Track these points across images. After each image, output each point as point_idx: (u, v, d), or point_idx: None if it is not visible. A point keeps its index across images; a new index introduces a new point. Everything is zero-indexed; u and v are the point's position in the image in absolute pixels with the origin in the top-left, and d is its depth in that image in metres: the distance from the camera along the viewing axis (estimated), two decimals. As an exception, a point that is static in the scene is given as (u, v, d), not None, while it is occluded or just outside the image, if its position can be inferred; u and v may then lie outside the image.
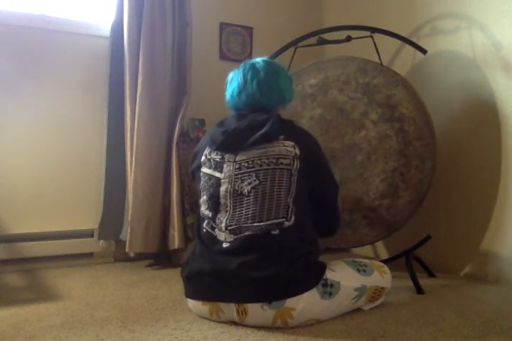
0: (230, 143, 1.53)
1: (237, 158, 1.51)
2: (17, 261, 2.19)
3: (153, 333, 1.36)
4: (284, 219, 1.43)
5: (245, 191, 1.47)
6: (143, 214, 2.30)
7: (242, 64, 1.65)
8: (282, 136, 1.52)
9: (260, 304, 1.36)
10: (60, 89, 2.36)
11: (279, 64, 1.68)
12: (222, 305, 1.42)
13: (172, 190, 2.35)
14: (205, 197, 1.55)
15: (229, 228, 1.46)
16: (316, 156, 1.57)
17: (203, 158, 1.59)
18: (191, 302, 1.52)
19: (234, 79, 1.63)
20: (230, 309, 1.41)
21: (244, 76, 1.59)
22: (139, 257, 2.41)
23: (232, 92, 1.62)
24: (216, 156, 1.55)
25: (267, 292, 1.37)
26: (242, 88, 1.59)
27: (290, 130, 1.56)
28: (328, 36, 2.29)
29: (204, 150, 1.61)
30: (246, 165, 1.49)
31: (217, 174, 1.53)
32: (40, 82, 2.32)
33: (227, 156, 1.53)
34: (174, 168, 2.35)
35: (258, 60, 1.64)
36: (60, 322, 1.46)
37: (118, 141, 2.38)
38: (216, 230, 1.49)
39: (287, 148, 1.50)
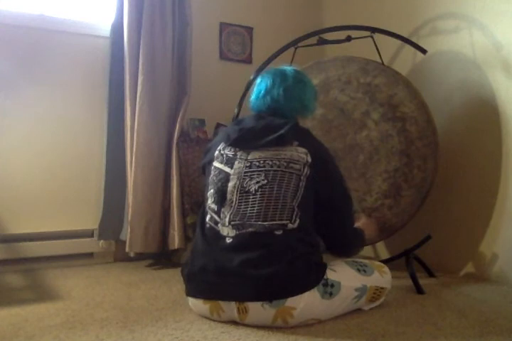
0: (244, 140, 1.55)
1: (249, 157, 1.53)
2: (17, 261, 2.19)
3: (153, 333, 1.36)
4: (288, 221, 1.44)
5: (252, 189, 1.48)
6: (143, 214, 2.30)
7: (273, 69, 1.69)
8: (296, 143, 1.53)
9: (261, 303, 1.36)
10: (60, 89, 2.36)
11: (307, 75, 1.74)
12: (223, 304, 1.42)
13: (172, 189, 2.35)
14: (212, 190, 1.56)
15: (232, 223, 1.47)
16: (328, 167, 1.56)
17: (217, 152, 1.61)
18: (192, 301, 1.52)
19: (262, 82, 1.66)
20: (230, 307, 1.41)
21: (274, 80, 1.63)
22: (139, 257, 2.41)
23: (258, 94, 1.65)
24: (229, 152, 1.57)
25: (268, 290, 1.37)
26: (269, 91, 1.62)
27: (305, 138, 1.57)
28: (328, 36, 2.29)
29: (218, 145, 1.62)
30: (257, 164, 1.51)
31: (227, 169, 1.54)
32: (40, 82, 2.32)
33: (239, 153, 1.55)
34: (174, 168, 2.35)
35: (289, 67, 1.69)
36: (60, 322, 1.45)
37: (118, 141, 2.38)
38: (219, 225, 1.50)
39: (300, 154, 1.51)
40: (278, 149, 1.51)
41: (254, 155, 1.52)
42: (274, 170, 1.49)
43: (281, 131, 1.50)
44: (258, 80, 1.69)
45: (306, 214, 1.47)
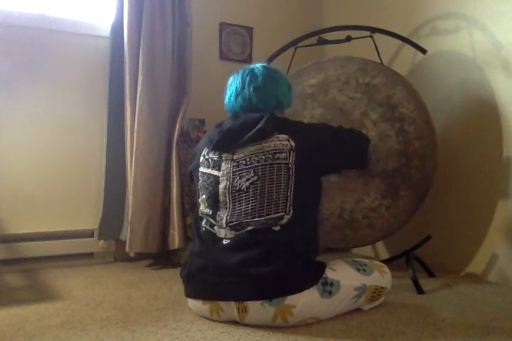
0: (225, 142, 1.55)
1: (235, 157, 1.53)
2: (17, 261, 2.19)
3: (153, 333, 1.36)
4: (283, 213, 1.44)
5: (244, 187, 1.49)
6: (143, 214, 2.30)
7: (242, 69, 1.68)
8: (276, 132, 1.54)
9: (261, 301, 1.36)
10: (60, 89, 2.36)
11: (278, 70, 1.71)
12: (223, 304, 1.42)
13: (172, 189, 2.35)
14: (204, 196, 1.57)
15: (230, 224, 1.47)
16: (313, 134, 1.57)
17: (202, 158, 1.61)
18: (191, 302, 1.52)
19: (233, 84, 1.66)
20: (230, 307, 1.41)
21: (243, 80, 1.62)
22: (139, 257, 2.41)
23: (230, 96, 1.65)
24: (214, 156, 1.58)
25: (267, 289, 1.37)
26: (240, 92, 1.62)
27: (283, 125, 1.57)
28: (328, 36, 2.29)
29: (202, 150, 1.63)
30: (244, 162, 1.51)
31: (216, 172, 1.55)
32: (40, 82, 2.32)
33: (224, 155, 1.56)
34: (174, 168, 2.36)
35: (258, 65, 1.67)
36: (60, 322, 1.46)
37: (118, 140, 2.38)
38: (216, 227, 1.50)
39: (282, 142, 1.51)
40: (261, 143, 1.52)
41: (239, 155, 1.53)
42: (262, 165, 1.49)
43: (260, 125, 1.51)
44: (229, 81, 1.69)
45: (301, 203, 1.47)
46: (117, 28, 2.37)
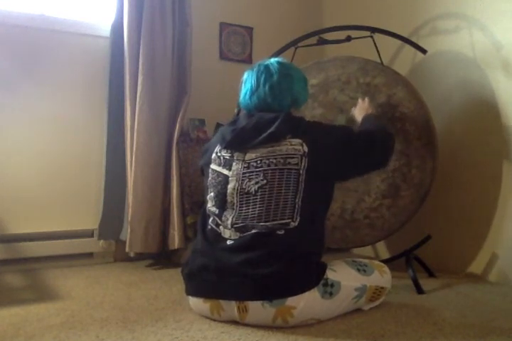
0: (238, 141, 1.54)
1: (246, 157, 1.52)
2: (17, 261, 2.19)
3: (153, 333, 1.36)
4: (290, 220, 1.43)
5: (252, 190, 1.47)
6: (143, 214, 2.30)
7: (257, 65, 1.64)
8: (290, 135, 1.51)
9: (261, 302, 1.36)
10: (60, 89, 2.36)
11: (292, 65, 1.68)
12: (223, 303, 1.42)
13: (172, 189, 2.35)
14: (212, 193, 1.56)
15: (235, 226, 1.47)
16: (329, 140, 1.52)
17: (214, 155, 1.60)
18: (192, 300, 1.52)
19: (248, 81, 1.63)
20: (230, 307, 1.41)
21: (258, 78, 1.59)
22: (139, 257, 2.41)
23: (245, 94, 1.62)
24: (226, 154, 1.56)
25: (268, 290, 1.37)
26: (255, 91, 1.59)
27: (297, 128, 1.53)
28: (328, 36, 2.29)
29: (215, 147, 1.61)
30: (254, 164, 1.50)
31: (226, 172, 1.54)
32: (40, 82, 2.31)
33: (236, 155, 1.54)
34: (174, 168, 2.35)
35: (272, 61, 1.63)
36: (60, 322, 1.46)
37: (118, 140, 2.38)
38: (221, 227, 1.50)
39: (294, 146, 1.49)
40: (273, 145, 1.50)
41: (250, 156, 1.51)
42: (272, 169, 1.48)
43: (272, 129, 1.49)
44: (244, 77, 1.65)
45: (308, 210, 1.46)
46: (117, 28, 2.36)
